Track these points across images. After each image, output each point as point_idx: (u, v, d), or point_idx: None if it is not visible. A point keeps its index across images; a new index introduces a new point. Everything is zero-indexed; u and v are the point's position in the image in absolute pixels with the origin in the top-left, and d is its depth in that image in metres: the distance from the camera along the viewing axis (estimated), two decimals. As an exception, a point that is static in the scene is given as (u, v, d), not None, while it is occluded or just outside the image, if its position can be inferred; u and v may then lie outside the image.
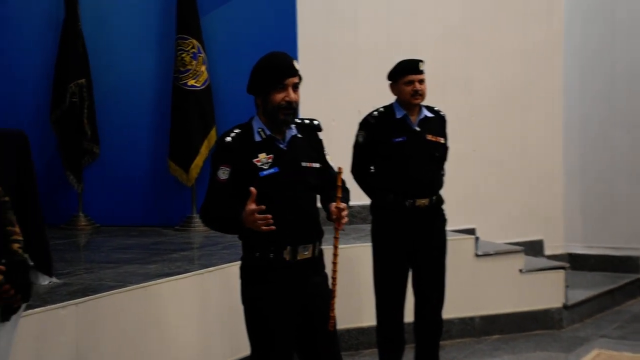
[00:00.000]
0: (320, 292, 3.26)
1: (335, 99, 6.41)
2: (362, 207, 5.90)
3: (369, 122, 4.46)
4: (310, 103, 6.31)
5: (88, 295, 3.82)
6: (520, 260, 5.99)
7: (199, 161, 6.14)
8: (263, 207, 3.01)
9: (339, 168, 3.19)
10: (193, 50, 6.09)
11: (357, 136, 4.51)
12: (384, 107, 4.47)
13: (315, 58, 6.32)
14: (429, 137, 4.41)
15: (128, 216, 6.43)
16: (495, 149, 7.16)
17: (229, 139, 3.20)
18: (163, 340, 4.16)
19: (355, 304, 5.44)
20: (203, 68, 6.13)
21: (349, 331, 5.46)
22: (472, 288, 5.78)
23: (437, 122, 4.50)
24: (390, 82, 4.44)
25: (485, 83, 7.08)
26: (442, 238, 4.52)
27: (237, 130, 3.22)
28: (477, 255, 5.83)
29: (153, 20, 6.38)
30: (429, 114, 4.46)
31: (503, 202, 7.20)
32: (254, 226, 3.02)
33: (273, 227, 3.00)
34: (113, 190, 6.49)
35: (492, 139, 7.14)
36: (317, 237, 3.26)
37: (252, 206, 2.99)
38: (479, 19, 7.09)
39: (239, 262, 4.74)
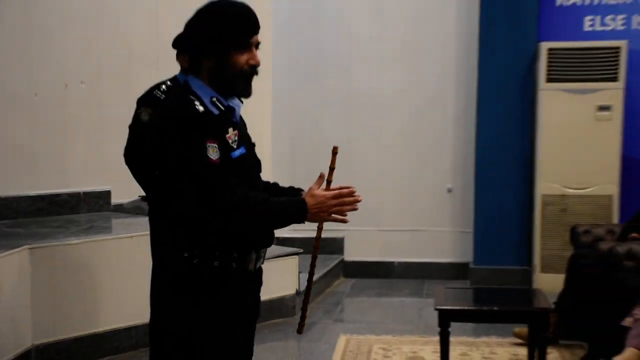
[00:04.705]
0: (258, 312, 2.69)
1: (38, 69, 5.47)
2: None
3: None
4: (5, 73, 5.31)
5: None
6: (259, 248, 5.63)
7: None
8: (353, 188, 2.40)
9: (336, 147, 2.56)
10: None
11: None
12: None
13: (11, 17, 5.31)
14: None
15: None
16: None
17: (200, 107, 2.32)
18: None
19: (89, 307, 4.69)
20: None
21: (81, 339, 4.67)
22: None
23: None
24: None
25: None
26: None
27: (192, 97, 2.34)
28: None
29: None
30: None
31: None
32: (330, 217, 2.39)
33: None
34: None
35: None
36: (272, 241, 2.61)
37: (331, 191, 2.40)
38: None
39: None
